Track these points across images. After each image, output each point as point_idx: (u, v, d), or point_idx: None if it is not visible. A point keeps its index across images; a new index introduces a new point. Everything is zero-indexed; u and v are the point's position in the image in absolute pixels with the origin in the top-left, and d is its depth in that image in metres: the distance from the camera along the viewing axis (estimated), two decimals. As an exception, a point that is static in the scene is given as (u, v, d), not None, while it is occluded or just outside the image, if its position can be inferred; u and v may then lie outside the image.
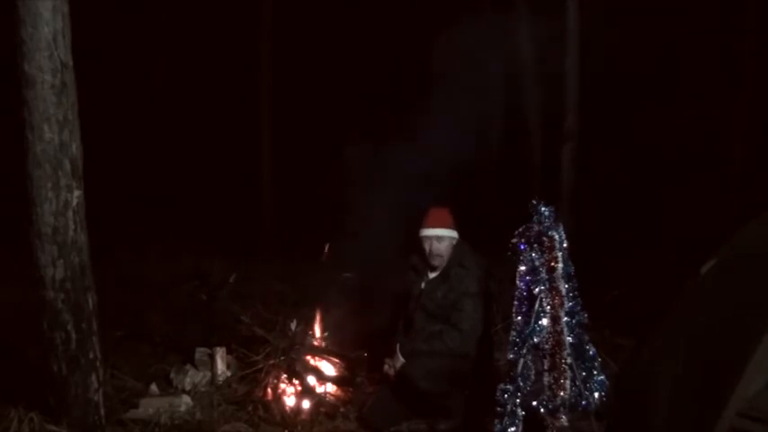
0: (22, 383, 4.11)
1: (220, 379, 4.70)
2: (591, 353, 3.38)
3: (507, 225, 3.54)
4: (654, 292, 5.42)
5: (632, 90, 9.49)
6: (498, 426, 3.30)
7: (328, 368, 4.87)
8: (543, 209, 3.38)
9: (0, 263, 6.93)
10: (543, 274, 3.33)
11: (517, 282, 3.40)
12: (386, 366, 4.44)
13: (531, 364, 3.32)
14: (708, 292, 3.82)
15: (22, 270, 4.28)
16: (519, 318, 3.37)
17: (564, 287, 3.34)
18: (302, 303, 6.23)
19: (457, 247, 4.44)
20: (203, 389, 4.62)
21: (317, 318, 5.13)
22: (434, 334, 4.32)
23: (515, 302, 3.40)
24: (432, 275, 4.48)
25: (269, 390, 4.55)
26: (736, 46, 9.08)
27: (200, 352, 4.94)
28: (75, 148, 3.78)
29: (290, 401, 4.50)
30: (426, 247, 4.43)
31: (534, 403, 3.31)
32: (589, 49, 8.53)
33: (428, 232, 4.43)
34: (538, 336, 3.31)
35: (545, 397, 3.32)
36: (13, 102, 3.73)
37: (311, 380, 4.67)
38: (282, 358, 4.65)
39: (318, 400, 4.54)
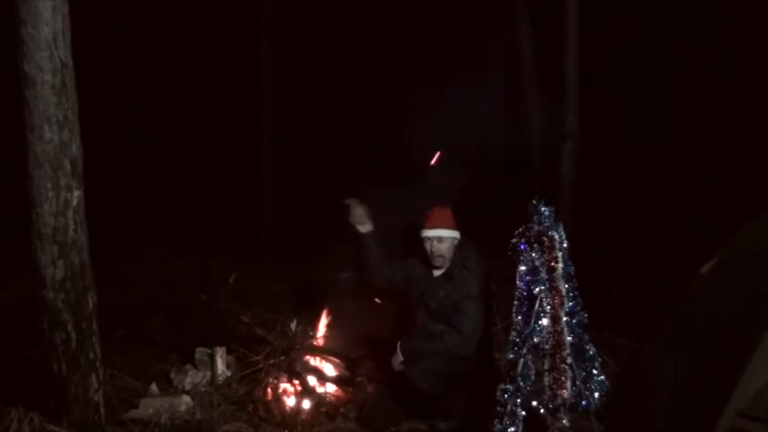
0: (22, 383, 4.10)
1: (220, 379, 4.70)
2: (591, 353, 3.38)
3: (507, 225, 3.53)
4: (654, 292, 5.43)
5: (631, 89, 9.49)
6: (498, 426, 3.30)
7: (328, 368, 4.87)
8: (543, 209, 3.38)
9: (0, 263, 6.93)
10: (543, 274, 3.32)
11: (517, 282, 3.39)
12: (395, 362, 4.37)
13: (531, 364, 3.31)
14: (708, 292, 3.84)
15: (22, 270, 4.28)
16: (519, 318, 3.37)
17: (564, 287, 3.34)
18: (302, 303, 6.23)
19: (460, 248, 4.42)
20: (203, 389, 4.62)
21: (318, 318, 5.13)
22: (435, 334, 4.31)
23: (515, 302, 3.39)
24: (436, 274, 4.46)
25: (269, 390, 4.55)
26: (737, 44, 9.06)
27: (200, 352, 4.94)
28: (75, 148, 3.78)
29: (290, 401, 4.49)
30: (427, 247, 4.40)
31: (534, 403, 3.31)
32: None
33: (429, 233, 4.39)
34: (538, 336, 3.31)
35: (545, 397, 3.32)
36: (13, 102, 3.73)
37: (311, 380, 4.68)
38: (282, 358, 4.65)
39: (318, 400, 4.54)
